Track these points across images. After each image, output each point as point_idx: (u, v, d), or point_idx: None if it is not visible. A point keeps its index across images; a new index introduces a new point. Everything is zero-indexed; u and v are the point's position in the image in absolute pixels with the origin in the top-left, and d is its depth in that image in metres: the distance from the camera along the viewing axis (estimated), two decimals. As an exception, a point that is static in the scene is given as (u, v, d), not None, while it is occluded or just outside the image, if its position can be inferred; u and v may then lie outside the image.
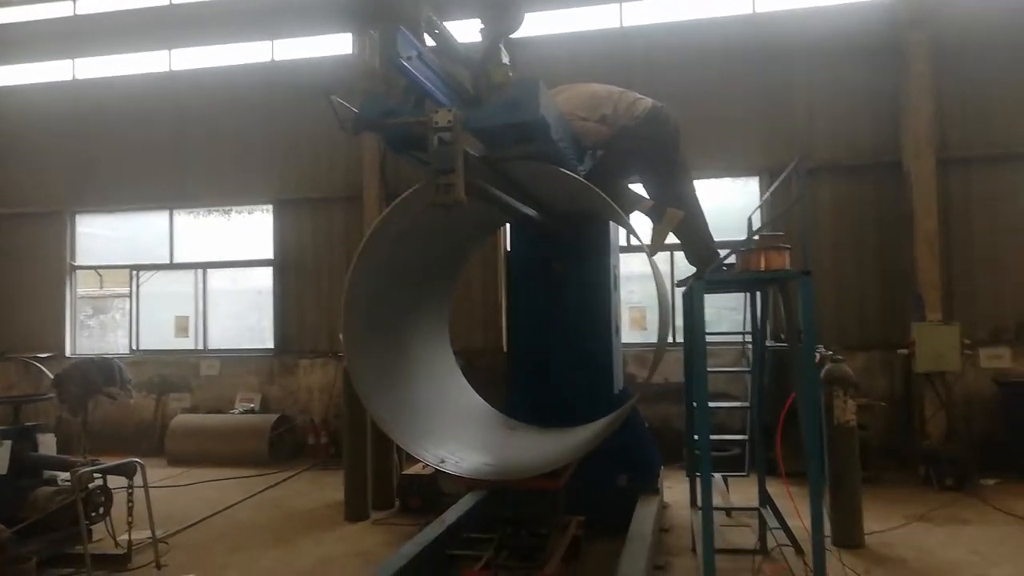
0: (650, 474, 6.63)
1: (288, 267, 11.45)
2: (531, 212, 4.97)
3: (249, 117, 11.53)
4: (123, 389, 9.05)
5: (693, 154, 9.00)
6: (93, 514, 5.79)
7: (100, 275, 12.44)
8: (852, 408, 6.08)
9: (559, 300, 6.26)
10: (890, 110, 9.54)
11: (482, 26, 4.43)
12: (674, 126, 5.41)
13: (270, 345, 11.47)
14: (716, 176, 10.08)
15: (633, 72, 9.72)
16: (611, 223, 6.39)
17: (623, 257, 7.45)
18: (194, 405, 11.48)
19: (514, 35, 4.50)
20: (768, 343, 8.14)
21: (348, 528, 7.11)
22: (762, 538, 5.78)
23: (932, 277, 9.00)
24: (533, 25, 10.49)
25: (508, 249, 6.95)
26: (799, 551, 4.91)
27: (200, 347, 11.86)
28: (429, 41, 4.03)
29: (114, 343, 12.28)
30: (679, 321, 8.57)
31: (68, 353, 11.99)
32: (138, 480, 5.80)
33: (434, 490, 7.38)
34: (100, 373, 8.85)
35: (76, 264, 12.36)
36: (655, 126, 5.22)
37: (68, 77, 12.45)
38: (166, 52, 12.06)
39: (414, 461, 7.11)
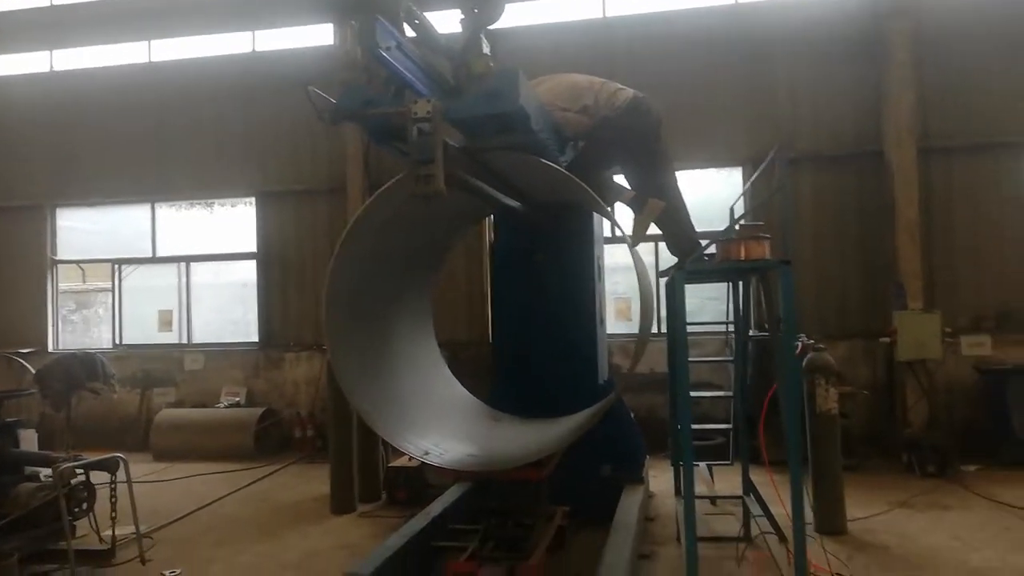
0: (635, 464, 6.65)
1: (272, 260, 11.39)
2: (513, 203, 4.97)
3: (231, 109, 11.44)
4: (106, 384, 8.97)
5: (677, 145, 9.04)
6: (76, 510, 5.73)
7: (83, 270, 12.34)
8: (834, 397, 6.12)
9: (543, 291, 6.25)
10: (872, 100, 9.59)
11: (463, 16, 4.41)
12: (655, 116, 5.41)
13: (255, 339, 11.42)
14: (700, 167, 10.11)
15: (616, 63, 9.74)
16: (595, 214, 6.39)
17: (608, 248, 7.45)
18: (179, 400, 11.42)
19: (496, 26, 4.48)
20: (752, 333, 8.21)
21: (334, 521, 7.10)
22: (746, 526, 5.83)
23: (913, 266, 9.07)
24: (516, 15, 10.47)
25: (492, 240, 6.95)
26: (782, 538, 4.96)
27: (184, 341, 11.79)
28: (409, 32, 4.02)
29: (98, 338, 12.18)
30: (664, 311, 8.60)
31: (50, 348, 11.88)
32: (121, 475, 5.76)
33: (420, 482, 7.39)
34: (82, 368, 8.78)
35: (57, 259, 12.23)
36: (636, 116, 5.22)
37: (46, 69, 12.29)
38: (146, 43, 11.93)
39: (400, 453, 7.07)
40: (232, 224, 11.72)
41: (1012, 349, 9.09)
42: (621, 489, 6.18)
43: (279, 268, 11.35)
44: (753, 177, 5.30)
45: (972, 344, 9.18)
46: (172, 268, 11.90)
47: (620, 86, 5.33)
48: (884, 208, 9.36)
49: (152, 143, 11.70)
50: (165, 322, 11.88)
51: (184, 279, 11.84)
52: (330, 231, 10.91)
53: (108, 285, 12.04)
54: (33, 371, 9.14)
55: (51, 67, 12.28)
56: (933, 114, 9.45)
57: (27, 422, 9.42)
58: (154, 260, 11.95)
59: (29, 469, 6.05)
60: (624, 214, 5.62)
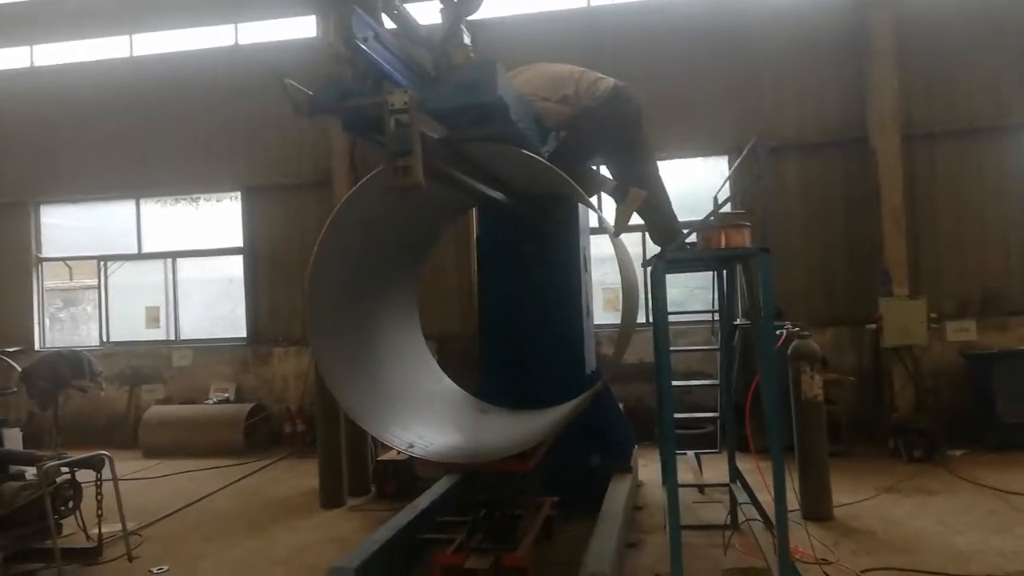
0: (623, 453, 6.67)
1: (259, 255, 11.35)
2: (497, 195, 4.95)
3: (215, 103, 11.36)
4: (93, 382, 8.96)
5: (663, 134, 9.09)
6: (62, 508, 5.71)
7: (70, 267, 12.25)
8: (819, 383, 6.14)
9: (528, 282, 6.24)
10: (856, 87, 9.62)
11: (442, 6, 4.38)
12: (636, 106, 5.39)
13: (243, 334, 11.38)
14: (686, 156, 10.13)
15: (601, 52, 9.72)
16: (580, 204, 6.39)
17: (597, 239, 7.45)
18: (167, 396, 11.38)
19: (481, 16, 4.46)
20: (738, 321, 8.24)
21: (324, 515, 7.09)
22: (733, 513, 5.86)
23: (899, 253, 9.13)
24: (500, 5, 10.42)
25: (478, 232, 6.94)
26: (768, 525, 4.98)
27: (172, 338, 11.75)
28: (389, 23, 3.98)
29: (87, 335, 12.13)
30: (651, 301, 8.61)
31: (37, 347, 11.81)
32: (107, 473, 5.74)
33: (410, 475, 7.38)
34: (68, 366, 8.75)
35: (42, 256, 12.15)
36: (617, 106, 5.20)
37: (27, 64, 12.18)
38: (127, 37, 11.83)
39: (389, 447, 7.10)
40: (218, 219, 11.67)
41: (997, 334, 9.17)
42: (610, 479, 6.20)
43: (266, 263, 11.30)
44: (735, 165, 5.30)
45: (957, 329, 9.25)
46: (158, 264, 11.84)
47: (601, 75, 5.31)
48: (869, 195, 9.40)
49: (136, 138, 11.61)
50: (152, 319, 11.83)
51: (171, 275, 11.79)
52: (317, 225, 10.68)
53: (95, 282, 11.96)
54: (19, 369, 9.09)
55: (32, 63, 12.17)
56: (916, 101, 9.49)
57: (12, 421, 9.39)
58: (140, 256, 11.88)
59: (14, 468, 6.02)
60: (607, 204, 5.62)
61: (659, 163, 6.06)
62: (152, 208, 11.93)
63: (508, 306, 6.36)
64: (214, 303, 11.86)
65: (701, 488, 6.72)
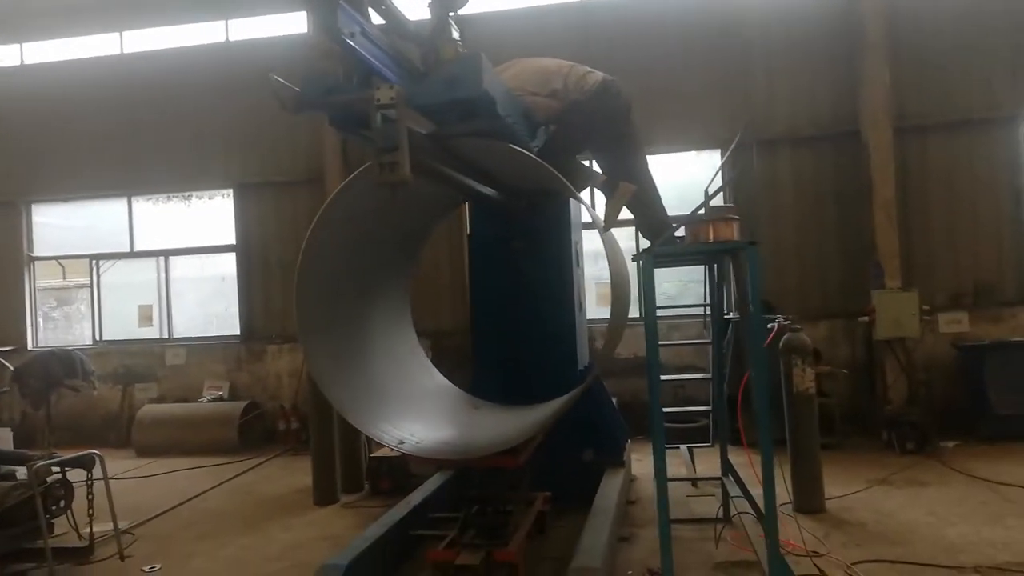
0: (616, 448, 6.68)
1: (252, 252, 11.32)
2: (487, 191, 4.94)
3: (206, 100, 11.30)
4: (85, 381, 8.92)
5: (655, 128, 9.08)
6: (53, 508, 5.70)
7: (63, 266, 12.21)
8: (811, 377, 6.14)
9: (520, 278, 6.23)
10: (848, 80, 9.61)
11: (431, 1, 4.36)
12: (625, 100, 5.38)
13: (236, 332, 11.35)
14: (679, 150, 10.11)
15: (592, 46, 9.67)
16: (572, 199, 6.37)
17: (590, 234, 7.43)
18: (161, 395, 11.36)
19: (472, 11, 4.44)
20: (731, 315, 8.24)
21: (317, 512, 7.09)
22: (725, 506, 5.87)
23: (891, 245, 9.14)
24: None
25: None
26: (760, 518, 4.98)
27: (165, 336, 11.72)
28: (377, 18, 3.96)
29: (80, 334, 12.09)
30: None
31: (30, 346, 11.79)
32: (98, 472, 5.73)
33: (403, 472, 7.38)
34: (61, 365, 8.72)
35: (34, 255, 12.10)
36: (606, 100, 5.18)
37: (16, 63, 12.11)
38: (117, 35, 11.77)
39: (382, 444, 7.10)
40: (211, 217, 11.62)
41: (989, 325, 9.20)
42: (603, 473, 6.21)
43: (259, 260, 11.27)
44: (724, 158, 5.29)
45: (949, 321, 9.28)
46: (151, 263, 11.80)
47: (589, 69, 5.30)
48: (861, 188, 9.40)
49: (127, 136, 11.56)
50: (145, 317, 11.79)
51: (163, 273, 11.75)
52: (309, 222, 10.68)
53: (87, 281, 11.92)
54: (12, 369, 9.06)
55: (21, 61, 12.10)
56: (908, 94, 9.49)
57: (5, 421, 9.36)
58: (132, 255, 11.84)
59: (5, 468, 6.00)
60: (599, 199, 5.60)
61: (651, 157, 6.05)
62: (144, 206, 11.88)
63: (500, 302, 6.35)
64: (207, 301, 11.83)
65: (693, 482, 6.73)
